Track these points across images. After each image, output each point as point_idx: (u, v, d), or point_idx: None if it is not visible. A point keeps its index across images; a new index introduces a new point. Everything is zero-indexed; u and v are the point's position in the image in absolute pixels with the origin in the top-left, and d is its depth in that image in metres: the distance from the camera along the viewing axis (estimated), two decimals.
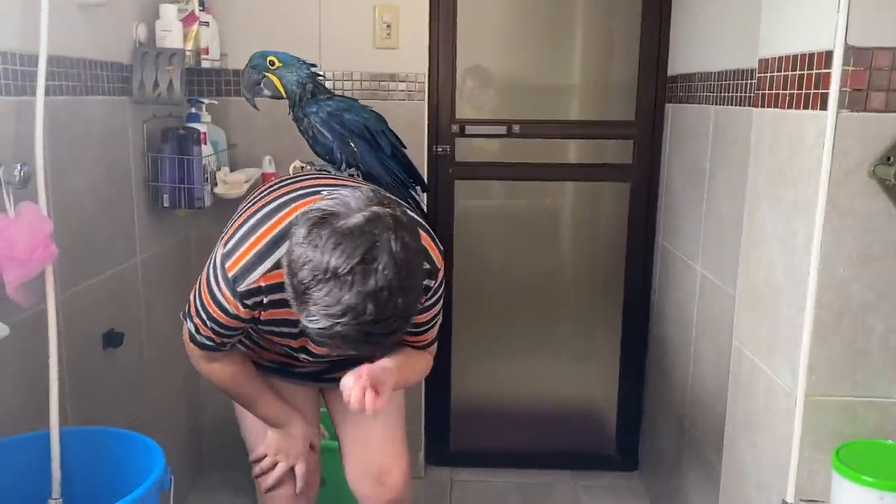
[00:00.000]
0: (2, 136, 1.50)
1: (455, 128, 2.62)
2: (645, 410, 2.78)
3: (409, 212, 1.26)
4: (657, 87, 2.58)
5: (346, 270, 1.08)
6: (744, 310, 1.59)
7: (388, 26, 2.44)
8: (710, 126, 2.09)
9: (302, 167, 1.79)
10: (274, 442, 1.63)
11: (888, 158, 1.17)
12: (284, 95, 1.73)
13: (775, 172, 1.39)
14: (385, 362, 1.34)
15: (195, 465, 2.67)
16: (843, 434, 1.29)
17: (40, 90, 1.52)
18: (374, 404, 1.21)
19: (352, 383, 1.21)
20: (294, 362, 1.58)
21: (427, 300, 1.41)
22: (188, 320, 1.42)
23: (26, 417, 1.55)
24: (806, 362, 1.28)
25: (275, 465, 1.63)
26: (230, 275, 1.30)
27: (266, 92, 1.74)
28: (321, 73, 1.76)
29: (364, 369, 1.23)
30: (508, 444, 2.87)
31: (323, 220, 1.12)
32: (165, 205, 2.19)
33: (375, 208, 1.13)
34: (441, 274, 1.43)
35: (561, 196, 2.78)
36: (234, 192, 2.32)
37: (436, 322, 1.51)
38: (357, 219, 1.11)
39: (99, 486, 1.43)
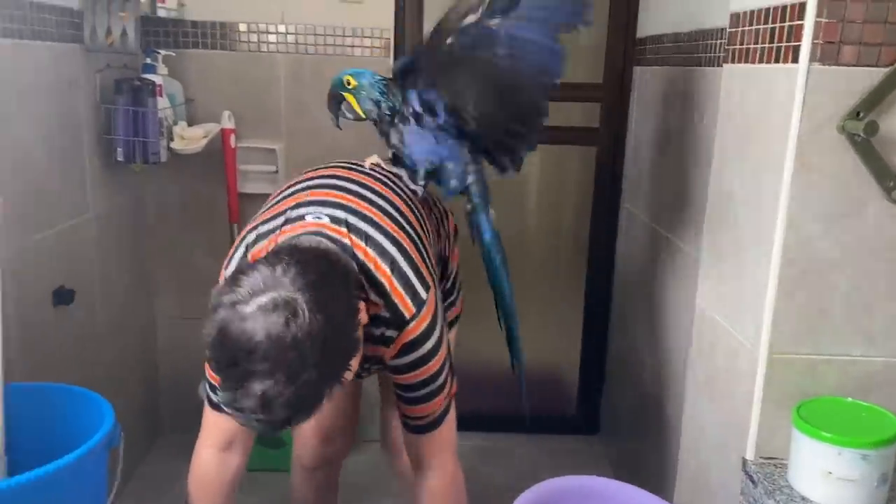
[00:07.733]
0: None
1: None
2: (607, 374, 2.79)
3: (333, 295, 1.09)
4: (626, 49, 2.55)
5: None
6: (708, 269, 1.58)
7: None
8: (678, 88, 2.07)
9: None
10: None
11: (858, 113, 1.16)
12: (364, 117, 1.59)
13: (744, 129, 1.38)
14: None
15: (152, 427, 2.62)
16: (804, 392, 1.29)
17: None
18: None
19: None
20: None
21: (397, 357, 1.27)
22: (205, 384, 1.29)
23: None
24: (769, 320, 1.27)
25: None
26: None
27: (349, 115, 1.59)
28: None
29: None
30: (468, 407, 2.80)
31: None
32: (120, 158, 2.11)
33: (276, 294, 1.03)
34: (414, 326, 1.25)
35: (526, 159, 2.74)
36: (192, 147, 2.25)
37: (432, 388, 1.31)
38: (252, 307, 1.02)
39: (47, 443, 1.38)
